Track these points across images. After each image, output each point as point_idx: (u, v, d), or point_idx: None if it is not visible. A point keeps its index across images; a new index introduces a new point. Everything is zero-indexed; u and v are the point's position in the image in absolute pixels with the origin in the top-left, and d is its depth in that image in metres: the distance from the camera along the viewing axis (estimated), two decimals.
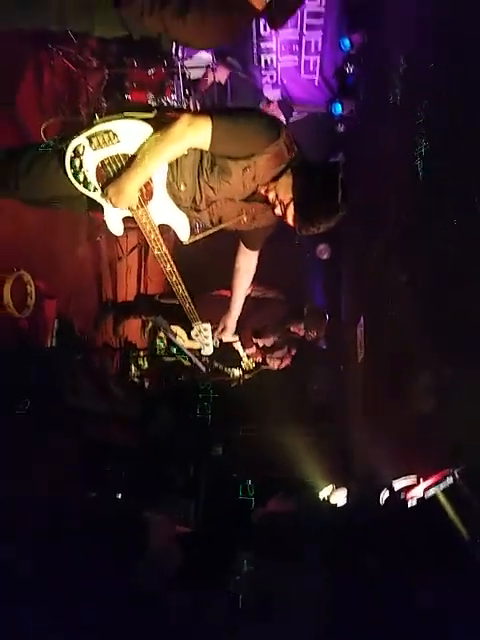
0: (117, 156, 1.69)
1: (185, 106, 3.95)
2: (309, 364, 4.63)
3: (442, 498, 1.76)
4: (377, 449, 3.28)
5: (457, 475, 1.70)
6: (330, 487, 3.95)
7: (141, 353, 4.35)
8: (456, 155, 2.42)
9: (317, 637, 2.50)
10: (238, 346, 4.00)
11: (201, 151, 1.74)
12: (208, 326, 2.29)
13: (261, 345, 4.15)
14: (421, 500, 1.85)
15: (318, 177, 1.76)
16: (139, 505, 3.43)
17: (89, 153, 1.67)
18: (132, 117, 1.67)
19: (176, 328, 4.34)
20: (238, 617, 2.89)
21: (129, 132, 1.65)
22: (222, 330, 2.43)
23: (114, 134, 1.64)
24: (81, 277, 3.73)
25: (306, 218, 1.75)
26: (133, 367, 4.25)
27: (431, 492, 1.76)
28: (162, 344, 4.52)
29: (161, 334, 3.98)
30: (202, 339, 2.33)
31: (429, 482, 1.80)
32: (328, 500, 3.94)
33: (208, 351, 2.38)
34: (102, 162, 1.70)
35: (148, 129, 1.65)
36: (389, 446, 3.00)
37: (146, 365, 4.36)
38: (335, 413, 4.50)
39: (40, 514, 2.54)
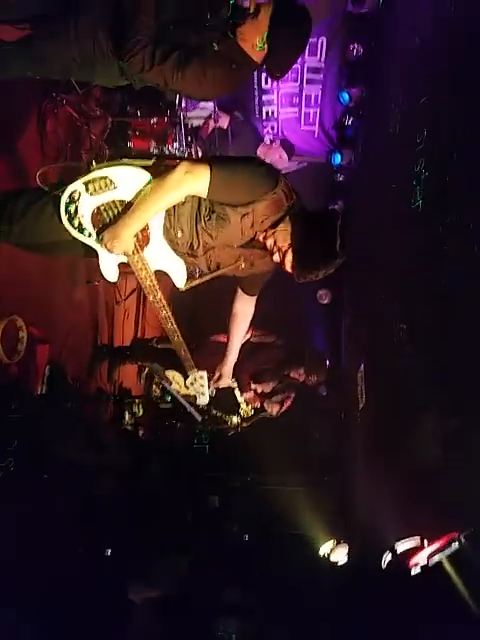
0: (114, 202, 1.68)
1: (187, 154, 4.01)
2: (309, 412, 4.51)
3: (447, 566, 1.63)
4: (379, 504, 3.13)
5: (464, 540, 1.58)
6: (331, 543, 3.77)
7: (136, 400, 4.24)
8: (454, 203, 2.42)
9: None
10: (236, 391, 3.91)
11: (199, 198, 1.73)
12: (204, 374, 2.23)
13: (259, 391, 4.06)
14: (425, 567, 1.71)
15: (317, 224, 1.76)
16: (130, 564, 3.27)
17: (85, 199, 1.65)
18: (130, 164, 1.66)
19: (173, 373, 4.25)
20: None
21: (126, 178, 1.64)
22: (218, 378, 2.37)
23: (111, 180, 1.63)
24: (77, 321, 3.67)
25: (304, 265, 1.74)
26: (127, 414, 4.12)
27: (436, 559, 1.63)
28: (158, 390, 4.42)
29: (157, 380, 3.88)
30: (198, 388, 2.27)
31: (434, 547, 1.67)
32: (328, 557, 3.76)
33: (204, 401, 2.32)
34: (98, 208, 1.68)
35: (145, 176, 1.64)
36: (391, 502, 2.86)
37: (141, 412, 4.23)
38: (336, 464, 4.34)
39: (28, 572, 2.41)
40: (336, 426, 4.54)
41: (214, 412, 3.89)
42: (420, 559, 1.69)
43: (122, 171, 1.64)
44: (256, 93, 4.88)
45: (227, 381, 2.40)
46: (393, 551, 1.97)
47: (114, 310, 4.27)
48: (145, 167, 1.67)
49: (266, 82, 4.84)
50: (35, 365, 3.02)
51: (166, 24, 1.87)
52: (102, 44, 1.89)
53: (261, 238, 1.81)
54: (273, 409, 3.95)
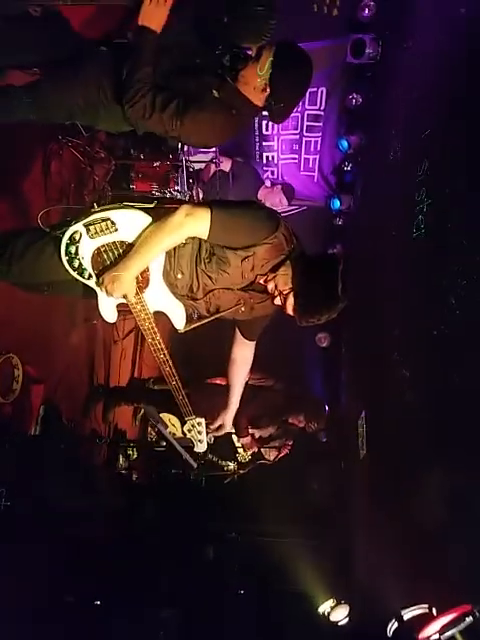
0: (114, 244, 1.67)
1: (188, 196, 4.06)
2: (307, 459, 4.39)
3: None
4: (382, 563, 2.99)
5: (479, 614, 1.48)
6: (330, 602, 3.59)
7: (131, 442, 4.13)
8: (454, 248, 2.42)
9: None
10: (233, 436, 3.81)
11: (200, 240, 1.73)
12: (202, 421, 2.14)
13: (257, 436, 3.97)
14: None
15: (318, 269, 1.76)
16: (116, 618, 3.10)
17: (86, 240, 1.65)
18: (131, 207, 1.66)
19: (169, 416, 4.18)
20: None
21: (127, 221, 1.64)
22: (219, 427, 2.29)
23: (112, 222, 1.62)
24: (73, 361, 3.62)
25: (306, 310, 1.73)
26: (121, 457, 4.01)
27: (448, 634, 1.51)
28: (154, 432, 4.31)
29: (152, 422, 3.79)
30: (195, 435, 2.16)
31: (446, 619, 1.56)
32: (328, 616, 3.57)
33: (201, 448, 2.21)
34: (98, 249, 1.68)
35: (147, 219, 1.65)
36: (396, 562, 2.72)
37: (135, 455, 4.11)
38: (336, 517, 4.19)
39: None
40: (335, 476, 4.41)
41: (210, 457, 3.79)
42: (431, 632, 1.57)
43: (123, 214, 1.64)
44: (256, 139, 5.01)
45: (227, 430, 2.32)
46: (399, 618, 1.84)
47: (111, 349, 4.22)
48: (146, 210, 1.68)
49: (266, 128, 4.97)
50: (30, 405, 2.96)
51: (166, 72, 1.90)
52: (106, 90, 1.93)
53: (262, 281, 1.80)
54: (270, 455, 3.85)
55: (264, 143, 5.04)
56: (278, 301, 1.79)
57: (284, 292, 1.75)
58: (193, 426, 2.13)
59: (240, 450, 3.96)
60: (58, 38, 2.03)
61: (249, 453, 3.98)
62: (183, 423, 2.15)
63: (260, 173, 4.99)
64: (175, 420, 4.21)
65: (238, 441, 3.81)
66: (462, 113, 2.46)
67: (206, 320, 1.89)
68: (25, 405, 2.92)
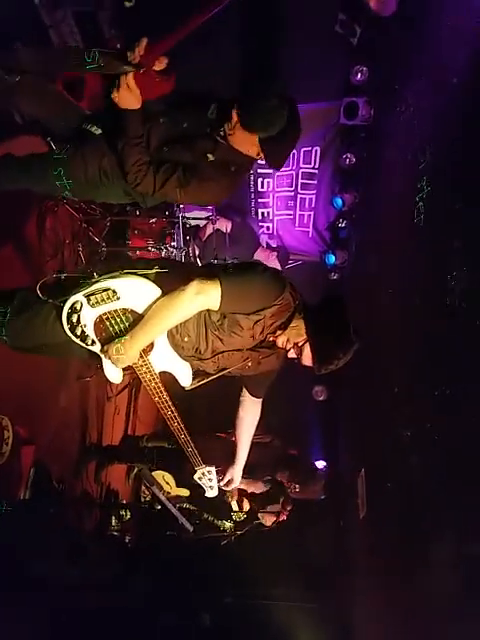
0: (116, 311, 1.66)
1: (183, 253, 4.09)
2: (305, 518, 4.25)
3: None
4: (384, 631, 2.84)
5: None
6: None
7: (123, 504, 3.98)
8: (452, 304, 2.43)
9: None
10: (227, 494, 3.70)
11: None
12: (212, 469, 2.18)
13: (249, 491, 3.84)
14: None
15: (325, 316, 1.79)
16: None
17: (87, 310, 1.64)
18: (132, 274, 1.66)
19: (163, 474, 4.06)
20: None
21: (129, 289, 1.64)
22: (228, 482, 2.32)
23: (114, 292, 1.62)
24: (65, 419, 3.53)
25: (324, 357, 1.75)
26: (114, 519, 3.85)
27: None
28: (148, 492, 4.17)
29: (147, 484, 3.67)
30: (206, 482, 2.21)
31: None
32: None
33: (212, 494, 2.25)
34: (100, 317, 1.67)
35: (150, 287, 1.64)
36: (398, 630, 2.59)
37: (128, 516, 3.96)
38: (337, 581, 4.01)
39: None
40: (334, 535, 4.26)
41: (206, 516, 3.68)
42: None
43: (124, 282, 1.63)
44: (252, 195, 5.14)
45: (236, 484, 2.37)
46: None
47: (104, 406, 4.14)
48: (147, 276, 1.68)
49: (262, 185, 5.11)
50: (19, 467, 2.85)
51: (159, 145, 1.95)
52: (107, 170, 1.99)
53: (271, 338, 1.82)
54: (268, 520, 3.72)
55: (260, 200, 5.17)
56: (293, 354, 1.81)
57: (299, 344, 1.77)
58: (203, 474, 2.18)
59: (235, 508, 3.84)
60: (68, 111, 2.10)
61: (243, 512, 3.86)
62: (193, 473, 2.18)
63: (256, 228, 5.08)
64: (169, 477, 4.10)
65: (231, 498, 3.69)
66: (455, 172, 2.54)
67: (212, 377, 1.89)
68: (15, 468, 2.82)
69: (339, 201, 4.68)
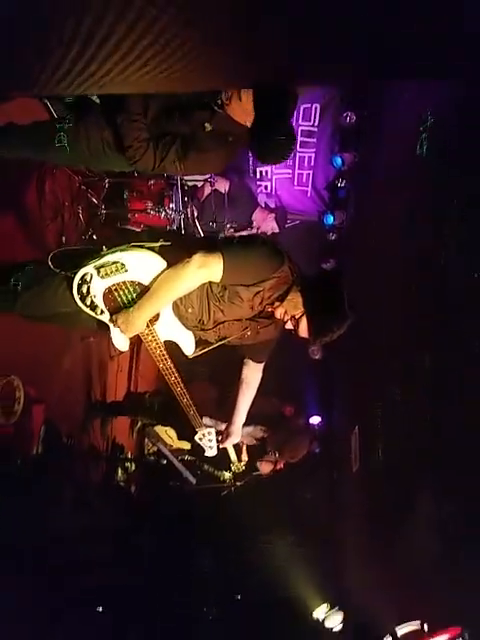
0: (125, 283, 1.74)
1: (182, 216, 4.10)
2: (302, 469, 4.46)
3: None
4: (376, 575, 3.07)
5: (467, 637, 1.56)
6: (324, 607, 3.67)
7: (129, 457, 4.18)
8: (451, 262, 2.48)
9: None
10: (230, 449, 3.86)
11: None
12: (212, 431, 2.32)
13: (248, 441, 3.96)
14: None
15: (322, 289, 1.85)
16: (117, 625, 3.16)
17: (97, 281, 1.71)
18: (140, 247, 1.72)
19: (166, 429, 4.24)
20: None
21: (137, 262, 1.71)
22: (226, 438, 2.40)
23: (122, 265, 1.69)
24: (71, 379, 3.66)
25: (320, 330, 1.82)
26: (120, 471, 4.06)
27: None
28: (151, 444, 4.37)
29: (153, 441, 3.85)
30: (206, 442, 2.34)
31: None
32: (322, 622, 3.65)
33: (211, 453, 2.38)
34: (109, 288, 1.74)
35: (156, 260, 1.71)
36: (389, 575, 2.81)
37: (133, 468, 4.17)
38: (330, 526, 4.28)
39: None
40: (328, 486, 4.49)
41: (206, 468, 3.86)
42: None
43: (133, 256, 1.70)
44: (250, 154, 5.07)
45: (236, 440, 2.45)
46: (393, 635, 1.93)
47: (107, 365, 4.26)
48: (153, 249, 1.74)
49: None
50: (31, 425, 2.99)
51: (156, 117, 1.97)
52: (109, 142, 2.01)
53: (269, 309, 1.89)
54: (265, 468, 3.90)
55: None
56: (290, 325, 1.88)
57: (296, 316, 1.84)
58: (203, 435, 2.30)
59: (234, 461, 4.02)
60: None
61: (243, 464, 4.04)
62: (194, 434, 2.30)
63: (254, 188, 5.06)
64: (172, 432, 4.28)
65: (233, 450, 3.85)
66: (456, 133, 2.53)
67: (213, 346, 1.98)
68: (27, 425, 2.95)
69: (339, 160, 4.64)
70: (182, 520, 4.01)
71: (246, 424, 3.84)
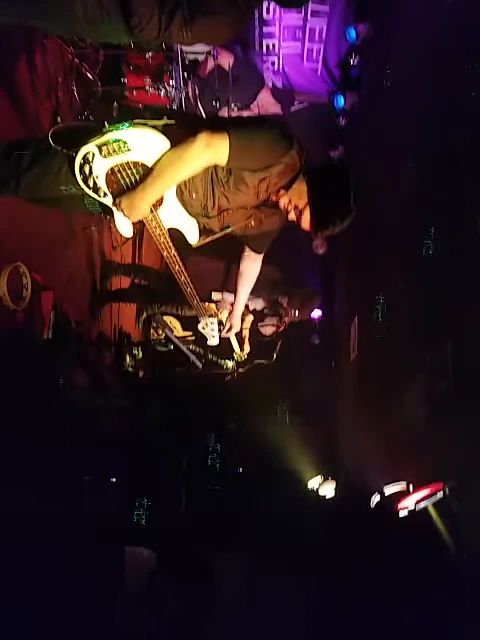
0: (128, 163, 1.68)
1: (183, 94, 3.85)
2: (301, 359, 4.66)
3: (432, 512, 1.81)
4: (366, 448, 3.33)
5: (448, 491, 1.75)
6: (319, 478, 4.03)
7: (136, 344, 4.34)
8: (460, 156, 2.41)
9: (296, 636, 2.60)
10: (233, 339, 4.01)
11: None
12: (214, 320, 2.37)
13: (251, 308, 4.09)
14: (412, 511, 1.89)
15: (329, 181, 1.79)
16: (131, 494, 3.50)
17: (99, 160, 1.65)
18: (143, 125, 1.64)
19: (170, 319, 4.35)
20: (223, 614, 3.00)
21: (140, 141, 1.64)
22: (228, 329, 2.47)
23: (125, 143, 1.62)
24: (76, 267, 3.69)
25: (322, 222, 1.78)
26: (128, 357, 4.25)
27: (422, 505, 1.80)
28: (156, 334, 4.51)
29: (159, 327, 3.96)
30: (209, 332, 2.41)
31: (421, 494, 1.84)
32: (317, 491, 4.03)
33: (214, 342, 2.47)
34: (112, 169, 1.69)
35: (160, 139, 1.64)
36: (379, 447, 3.05)
37: (140, 355, 4.35)
38: (326, 408, 4.55)
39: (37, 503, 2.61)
40: (327, 373, 4.71)
41: (211, 357, 4.02)
42: (408, 504, 1.86)
43: (136, 134, 1.62)
44: (256, 24, 4.63)
45: (237, 330, 2.51)
46: (381, 493, 2.15)
47: (111, 255, 4.27)
48: (156, 127, 1.66)
49: (268, 12, 4.58)
50: (41, 311, 3.07)
51: None
52: (109, 8, 1.81)
53: (274, 198, 1.84)
54: (267, 330, 4.03)
55: (265, 29, 4.67)
56: (293, 216, 1.84)
57: (299, 207, 1.80)
58: (206, 325, 2.37)
59: (237, 351, 4.18)
60: None
61: (245, 353, 4.21)
62: (197, 323, 2.38)
63: (260, 64, 4.69)
64: (175, 322, 4.41)
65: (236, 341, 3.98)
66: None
67: (218, 235, 1.95)
68: (36, 311, 3.04)
69: (352, 32, 4.25)
70: (188, 401, 4.25)
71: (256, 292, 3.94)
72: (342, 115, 4.72)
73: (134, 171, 1.68)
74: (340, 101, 4.61)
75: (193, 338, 4.25)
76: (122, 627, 2.62)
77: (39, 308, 3.04)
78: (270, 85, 4.36)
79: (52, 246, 3.32)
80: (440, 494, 1.77)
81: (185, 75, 3.92)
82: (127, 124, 1.63)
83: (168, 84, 3.84)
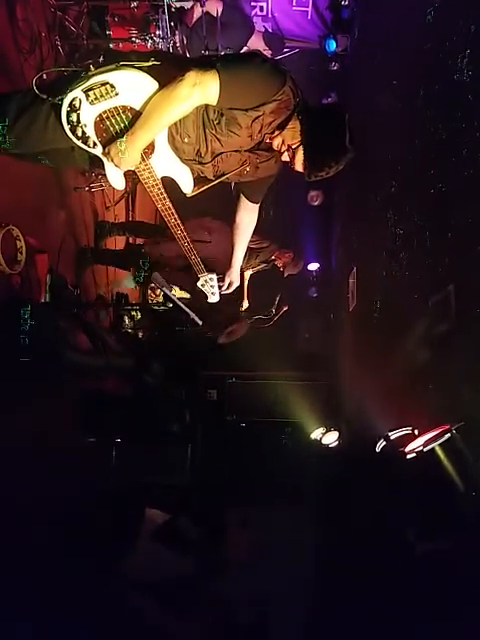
0: (116, 108, 1.62)
1: (171, 43, 3.72)
2: (300, 313, 4.66)
3: (440, 452, 1.82)
4: (369, 397, 3.38)
5: (455, 431, 1.77)
6: (321, 429, 4.10)
7: (134, 305, 4.33)
8: (456, 103, 2.34)
9: (304, 582, 2.69)
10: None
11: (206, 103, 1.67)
12: (214, 276, 2.30)
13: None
14: (420, 453, 1.91)
15: (325, 121, 1.73)
16: (135, 452, 3.57)
17: (86, 107, 1.60)
18: (129, 66, 1.58)
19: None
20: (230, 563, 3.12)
21: (127, 84, 1.58)
22: (228, 286, 2.40)
23: (112, 86, 1.57)
24: (69, 229, 3.64)
25: (316, 163, 1.73)
26: (127, 319, 4.25)
27: (430, 446, 1.82)
28: (154, 295, 4.50)
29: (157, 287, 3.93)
30: (208, 289, 2.33)
31: (428, 437, 1.86)
32: (320, 440, 4.11)
33: (214, 299, 2.38)
34: (100, 116, 1.63)
35: (146, 80, 1.58)
36: (381, 395, 3.09)
37: (139, 316, 4.35)
38: (326, 360, 4.59)
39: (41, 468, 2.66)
40: (326, 326, 4.72)
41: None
42: (415, 446, 1.87)
43: (122, 76, 1.56)
44: None
45: (236, 285, 2.44)
46: (386, 439, 2.17)
47: (104, 216, 4.21)
48: (143, 68, 1.60)
49: None
50: (36, 274, 3.05)
51: None
52: None
53: (268, 140, 1.78)
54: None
55: None
56: (286, 157, 1.79)
57: (293, 146, 1.74)
58: (206, 282, 2.29)
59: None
60: None
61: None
62: (196, 280, 2.30)
63: (248, 9, 4.50)
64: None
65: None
66: None
67: (212, 183, 1.89)
68: (32, 275, 3.01)
69: None
70: (189, 358, 4.29)
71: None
72: (334, 60, 4.56)
73: (123, 117, 1.63)
74: (332, 45, 4.44)
75: (189, 297, 4.23)
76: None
77: (35, 271, 3.02)
78: (262, 30, 4.17)
79: (43, 209, 3.27)
80: (448, 435, 1.78)
81: (172, 24, 3.77)
82: (113, 66, 1.57)
83: (155, 34, 3.71)
